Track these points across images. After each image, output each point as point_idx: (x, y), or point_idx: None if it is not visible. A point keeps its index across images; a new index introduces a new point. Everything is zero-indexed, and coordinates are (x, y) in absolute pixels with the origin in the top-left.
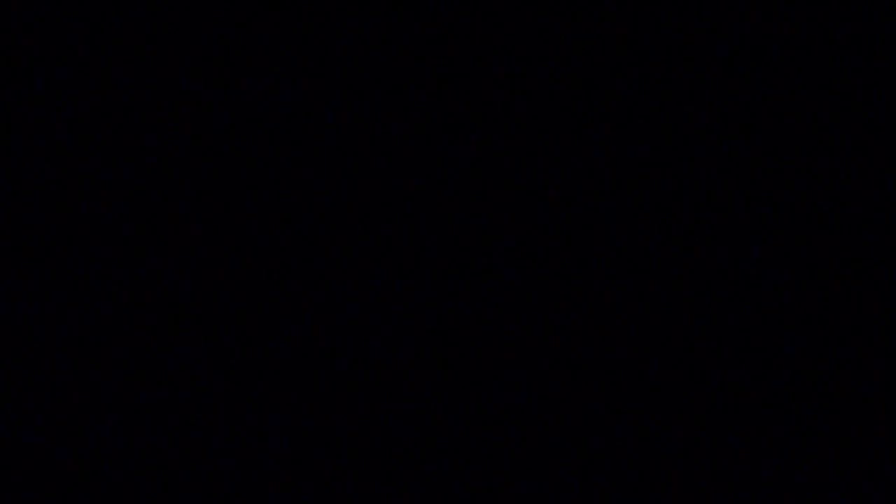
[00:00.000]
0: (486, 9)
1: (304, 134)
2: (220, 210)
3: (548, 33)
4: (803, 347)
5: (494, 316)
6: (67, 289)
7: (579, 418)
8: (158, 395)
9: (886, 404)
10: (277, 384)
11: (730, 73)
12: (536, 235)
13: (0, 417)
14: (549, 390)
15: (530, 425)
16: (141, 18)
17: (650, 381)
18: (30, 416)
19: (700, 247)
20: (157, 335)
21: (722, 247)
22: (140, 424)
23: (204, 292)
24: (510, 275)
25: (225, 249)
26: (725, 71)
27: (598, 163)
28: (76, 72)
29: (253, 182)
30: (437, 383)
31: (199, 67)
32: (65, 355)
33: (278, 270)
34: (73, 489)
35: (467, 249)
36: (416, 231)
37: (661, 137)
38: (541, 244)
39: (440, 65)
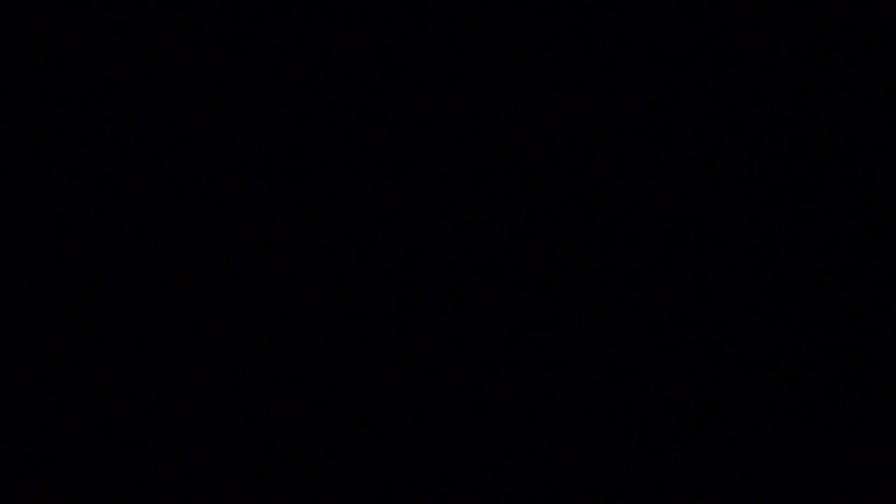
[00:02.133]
0: (486, 9)
1: (304, 134)
2: (220, 210)
3: (547, 33)
4: (803, 347)
5: (493, 315)
6: (67, 289)
7: (578, 418)
8: (158, 395)
9: (886, 404)
10: (276, 384)
11: (730, 73)
12: (536, 235)
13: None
14: (548, 390)
15: (529, 425)
16: (141, 18)
17: (649, 381)
18: (30, 416)
19: (700, 247)
20: (157, 335)
21: (722, 247)
22: (140, 424)
23: (203, 293)
24: (509, 275)
25: (224, 250)
26: (725, 71)
27: (597, 163)
28: (76, 72)
29: (251, 182)
30: (436, 383)
31: (198, 67)
32: (65, 355)
33: (277, 271)
34: (72, 489)
35: (466, 249)
36: (416, 231)
37: (661, 137)
38: (540, 244)
39: (440, 65)
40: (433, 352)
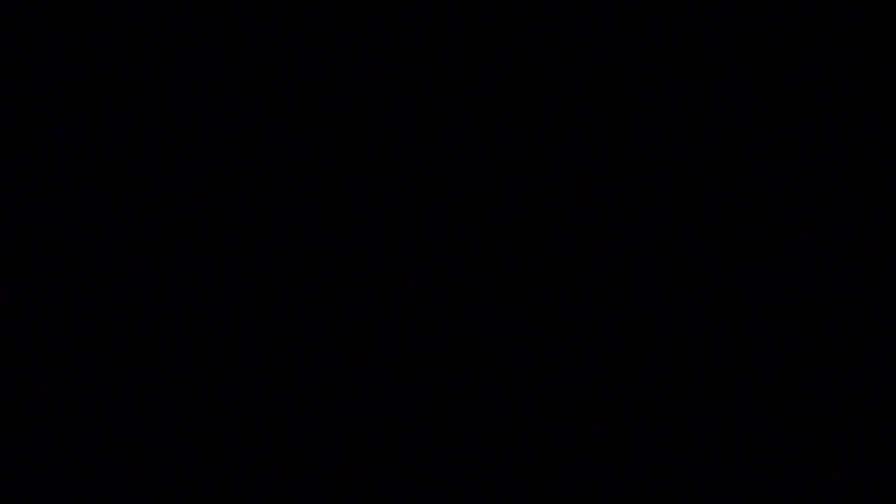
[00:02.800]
0: (486, 9)
1: (304, 134)
2: (220, 210)
3: (547, 33)
4: (803, 348)
5: (493, 316)
6: (67, 289)
7: (577, 418)
8: (158, 395)
9: (886, 404)
10: (276, 384)
11: (730, 73)
12: (536, 236)
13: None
14: (548, 390)
15: (527, 426)
16: (141, 18)
17: (649, 381)
18: (30, 416)
19: (700, 247)
20: (157, 335)
21: (721, 247)
22: (139, 424)
23: (203, 293)
24: (509, 274)
25: (224, 250)
26: (725, 71)
27: (595, 163)
28: (76, 71)
29: (251, 182)
30: (436, 384)
31: (198, 67)
32: (64, 355)
33: (277, 271)
34: (73, 489)
35: (465, 249)
36: (415, 231)
37: (660, 138)
38: (540, 244)
39: (440, 65)
40: (432, 351)
